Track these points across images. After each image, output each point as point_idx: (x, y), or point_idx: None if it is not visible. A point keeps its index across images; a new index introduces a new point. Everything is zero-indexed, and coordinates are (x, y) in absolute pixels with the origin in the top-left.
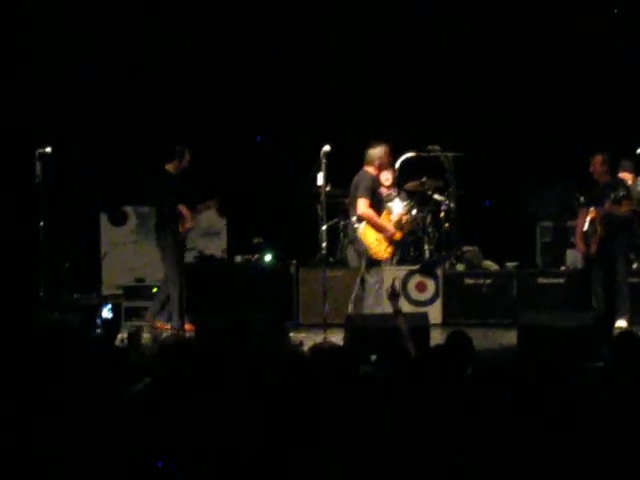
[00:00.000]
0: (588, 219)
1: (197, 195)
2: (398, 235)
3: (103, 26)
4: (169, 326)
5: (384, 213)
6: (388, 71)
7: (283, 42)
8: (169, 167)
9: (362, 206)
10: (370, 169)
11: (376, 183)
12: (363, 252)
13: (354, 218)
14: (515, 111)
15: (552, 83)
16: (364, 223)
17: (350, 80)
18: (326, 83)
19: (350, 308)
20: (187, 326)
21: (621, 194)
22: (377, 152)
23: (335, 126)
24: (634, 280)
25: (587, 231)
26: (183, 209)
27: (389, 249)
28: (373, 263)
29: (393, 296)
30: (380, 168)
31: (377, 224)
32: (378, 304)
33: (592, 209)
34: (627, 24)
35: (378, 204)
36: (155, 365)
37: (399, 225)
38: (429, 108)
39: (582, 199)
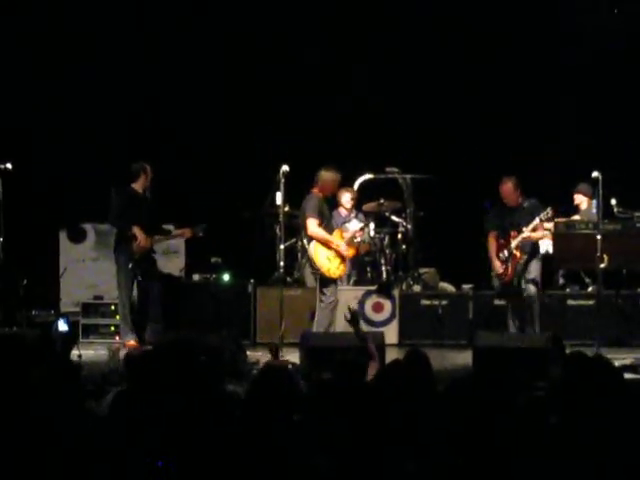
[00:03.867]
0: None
1: (164, 216)
2: (351, 252)
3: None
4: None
5: (337, 231)
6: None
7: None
8: (136, 186)
9: (311, 226)
10: (315, 190)
11: (322, 204)
12: (316, 271)
13: (305, 240)
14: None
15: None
16: (314, 242)
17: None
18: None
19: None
20: (131, 342)
21: (539, 219)
22: (326, 175)
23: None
24: (589, 303)
25: (502, 256)
26: (136, 230)
27: (341, 267)
28: (328, 282)
29: (353, 321)
30: (322, 190)
31: (327, 241)
32: (329, 322)
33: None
34: (627, 24)
35: (327, 224)
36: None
37: (352, 242)
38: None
39: (489, 224)
